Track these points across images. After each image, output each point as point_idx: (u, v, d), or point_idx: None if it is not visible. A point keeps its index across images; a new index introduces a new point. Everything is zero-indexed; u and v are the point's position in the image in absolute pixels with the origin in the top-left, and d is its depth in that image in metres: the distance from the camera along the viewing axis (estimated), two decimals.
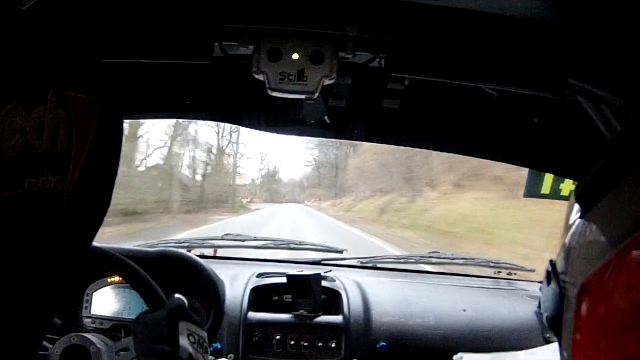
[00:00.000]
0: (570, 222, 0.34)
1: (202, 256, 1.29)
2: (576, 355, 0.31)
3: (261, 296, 1.21)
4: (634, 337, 0.26)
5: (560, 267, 0.35)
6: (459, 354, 1.04)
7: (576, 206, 0.34)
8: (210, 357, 0.71)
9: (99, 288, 1.09)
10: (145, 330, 0.61)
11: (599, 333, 0.29)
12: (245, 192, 26.89)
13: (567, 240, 0.34)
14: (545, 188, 1.14)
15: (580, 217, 0.33)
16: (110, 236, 5.91)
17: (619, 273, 0.27)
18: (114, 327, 1.06)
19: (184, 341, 0.61)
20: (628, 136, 0.32)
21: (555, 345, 0.35)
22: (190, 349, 0.61)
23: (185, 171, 17.45)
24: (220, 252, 1.53)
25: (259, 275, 1.27)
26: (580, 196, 0.33)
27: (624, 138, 0.32)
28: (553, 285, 0.35)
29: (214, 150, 20.12)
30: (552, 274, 0.36)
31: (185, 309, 0.65)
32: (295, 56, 0.71)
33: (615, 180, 0.30)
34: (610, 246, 0.28)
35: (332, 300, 1.21)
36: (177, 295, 0.66)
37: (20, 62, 0.25)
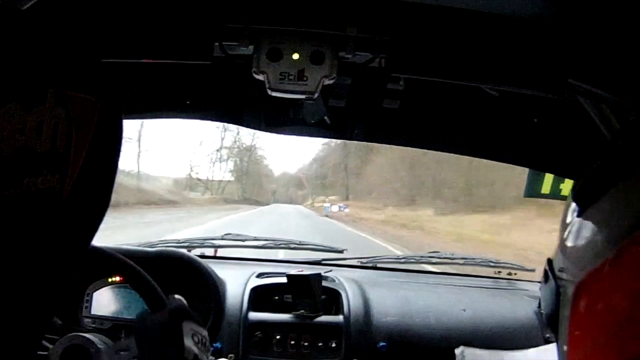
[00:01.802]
0: (568, 220, 0.34)
1: (202, 256, 1.29)
2: (573, 353, 0.31)
3: (261, 296, 1.21)
4: (630, 335, 0.26)
5: (557, 265, 0.35)
6: (461, 348, 1.04)
7: (573, 205, 0.34)
8: (210, 357, 0.71)
9: (99, 288, 1.09)
10: (149, 333, 0.61)
11: (596, 331, 0.29)
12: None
13: (564, 238, 0.34)
14: (545, 188, 1.14)
15: (577, 216, 0.33)
16: None
17: (617, 272, 0.27)
18: (114, 327, 1.06)
19: (188, 342, 0.61)
20: (627, 136, 0.32)
21: (554, 346, 0.35)
22: (195, 350, 0.61)
23: None
24: (221, 252, 1.53)
25: (259, 275, 1.27)
26: (577, 195, 0.34)
27: (623, 138, 0.32)
28: (551, 283, 0.35)
29: None
30: (549, 273, 0.36)
31: (186, 309, 0.65)
32: (295, 56, 0.71)
33: (614, 180, 0.30)
34: (608, 245, 0.28)
35: (332, 300, 1.21)
36: (176, 296, 0.66)
37: (20, 62, 0.25)
